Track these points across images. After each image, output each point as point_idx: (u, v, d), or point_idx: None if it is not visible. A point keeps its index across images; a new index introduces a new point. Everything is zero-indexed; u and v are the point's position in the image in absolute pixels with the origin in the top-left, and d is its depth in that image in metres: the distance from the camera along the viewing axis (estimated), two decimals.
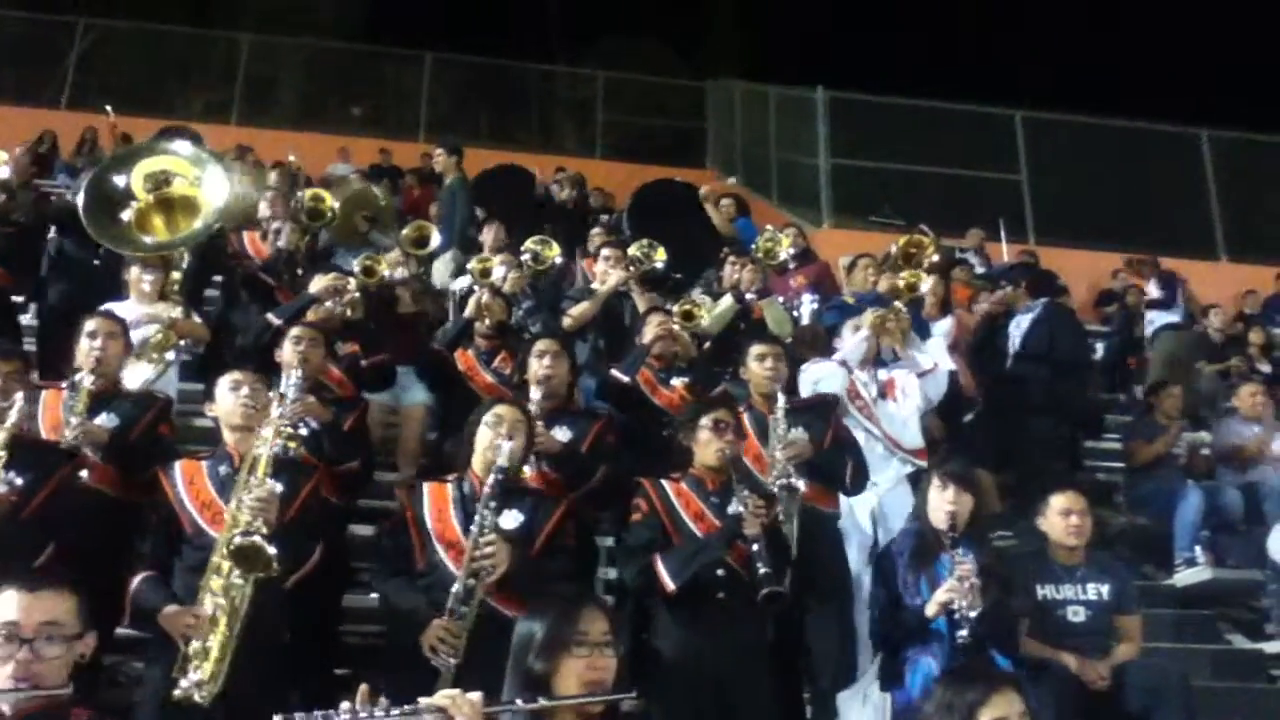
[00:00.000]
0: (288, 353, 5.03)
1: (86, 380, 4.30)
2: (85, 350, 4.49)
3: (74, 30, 17.38)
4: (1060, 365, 7.62)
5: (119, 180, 5.83)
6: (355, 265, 6.24)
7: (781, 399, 4.82)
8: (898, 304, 6.10)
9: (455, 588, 3.58)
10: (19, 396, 3.77)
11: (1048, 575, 4.55)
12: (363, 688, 2.37)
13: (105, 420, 4.36)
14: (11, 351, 4.14)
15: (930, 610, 4.07)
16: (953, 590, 3.99)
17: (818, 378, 5.68)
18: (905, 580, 4.26)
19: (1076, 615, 4.49)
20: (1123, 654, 4.48)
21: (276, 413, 3.96)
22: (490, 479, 3.74)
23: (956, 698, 2.66)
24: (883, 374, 5.76)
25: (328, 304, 5.84)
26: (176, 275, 5.69)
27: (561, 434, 4.84)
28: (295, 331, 5.15)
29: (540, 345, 5.20)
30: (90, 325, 4.59)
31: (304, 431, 4.61)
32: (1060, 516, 4.58)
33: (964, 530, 4.18)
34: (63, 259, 6.78)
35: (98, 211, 5.80)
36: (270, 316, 5.74)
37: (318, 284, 5.97)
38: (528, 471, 4.39)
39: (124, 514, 4.25)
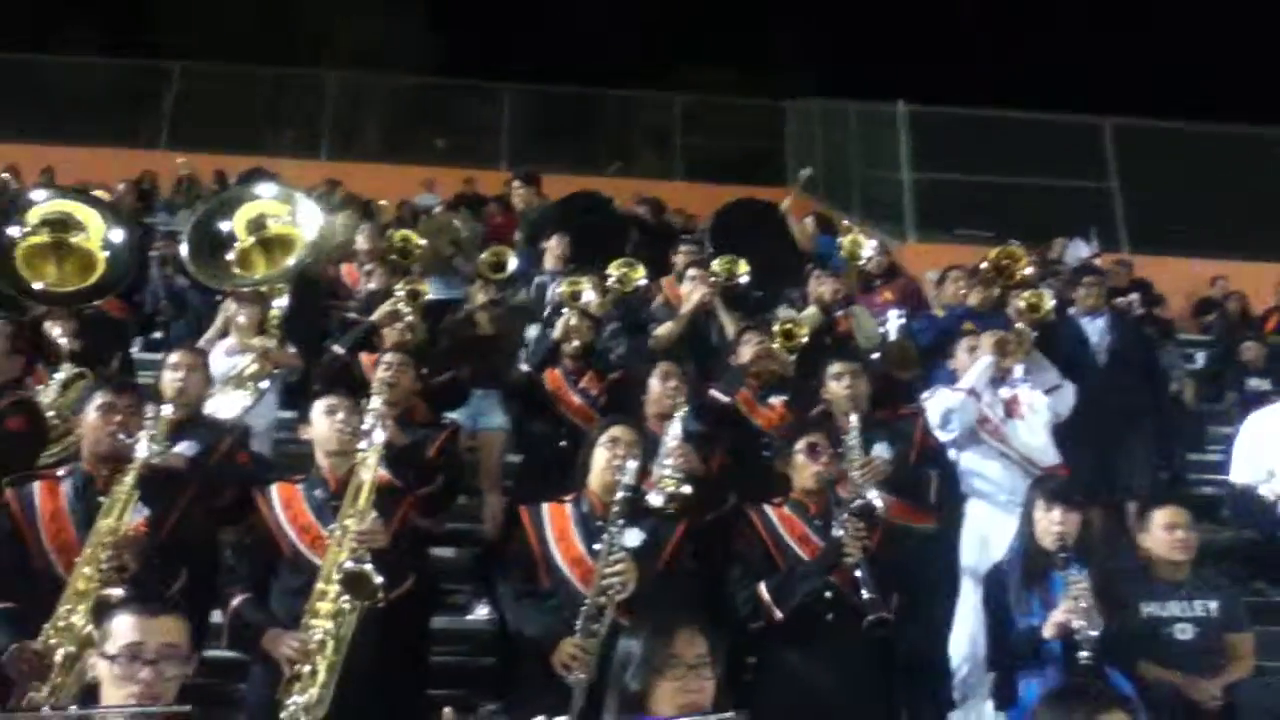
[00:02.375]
0: (377, 376, 5.10)
1: (166, 409, 4.38)
2: (168, 381, 4.70)
3: (170, 74, 18.08)
4: (1149, 373, 7.38)
5: (223, 225, 6.15)
6: (399, 289, 6.31)
7: (854, 418, 4.75)
8: (1020, 324, 5.98)
9: (585, 606, 3.63)
10: (145, 433, 3.90)
11: (1152, 592, 4.40)
12: (446, 711, 2.41)
13: (185, 448, 4.49)
14: (129, 384, 4.28)
15: (1048, 631, 3.97)
16: (1069, 610, 3.90)
17: (948, 408, 5.54)
18: (1018, 598, 4.19)
19: (1184, 633, 4.34)
20: (1235, 673, 4.33)
21: (365, 440, 4.00)
22: (618, 497, 3.80)
23: (1061, 718, 2.59)
24: (1005, 392, 5.66)
25: (398, 327, 5.92)
26: (275, 311, 5.88)
27: None
28: (386, 357, 5.24)
29: (664, 367, 5.22)
30: (173, 358, 4.83)
31: None
32: (1165, 532, 4.43)
33: (1075, 548, 4.10)
34: (186, 301, 7.10)
35: (202, 253, 6.09)
36: (335, 347, 5.88)
37: (377, 312, 6.09)
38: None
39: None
